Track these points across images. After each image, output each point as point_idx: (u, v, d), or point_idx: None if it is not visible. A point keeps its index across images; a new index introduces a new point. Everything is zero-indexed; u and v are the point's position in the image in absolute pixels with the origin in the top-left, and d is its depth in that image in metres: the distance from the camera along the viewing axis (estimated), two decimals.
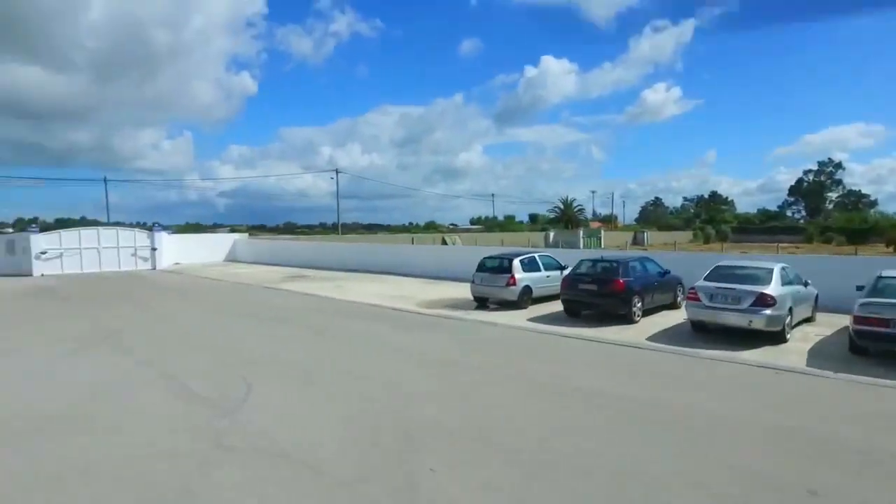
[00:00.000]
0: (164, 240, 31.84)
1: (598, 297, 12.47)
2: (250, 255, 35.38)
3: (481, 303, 15.22)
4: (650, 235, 70.36)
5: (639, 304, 12.41)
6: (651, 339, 10.87)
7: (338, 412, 6.93)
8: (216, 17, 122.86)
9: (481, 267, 15.40)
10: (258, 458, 5.57)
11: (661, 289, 13.45)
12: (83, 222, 44.81)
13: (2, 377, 8.91)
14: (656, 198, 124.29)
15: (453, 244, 45.35)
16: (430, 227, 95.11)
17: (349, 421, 6.60)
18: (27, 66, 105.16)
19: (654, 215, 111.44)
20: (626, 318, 12.23)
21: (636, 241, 64.78)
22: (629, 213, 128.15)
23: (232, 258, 36.26)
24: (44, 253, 27.40)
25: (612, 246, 50.40)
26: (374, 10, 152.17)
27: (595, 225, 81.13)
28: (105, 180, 57.62)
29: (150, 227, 31.88)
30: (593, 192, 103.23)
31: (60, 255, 27.91)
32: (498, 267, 15.01)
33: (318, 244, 34.55)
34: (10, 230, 31.10)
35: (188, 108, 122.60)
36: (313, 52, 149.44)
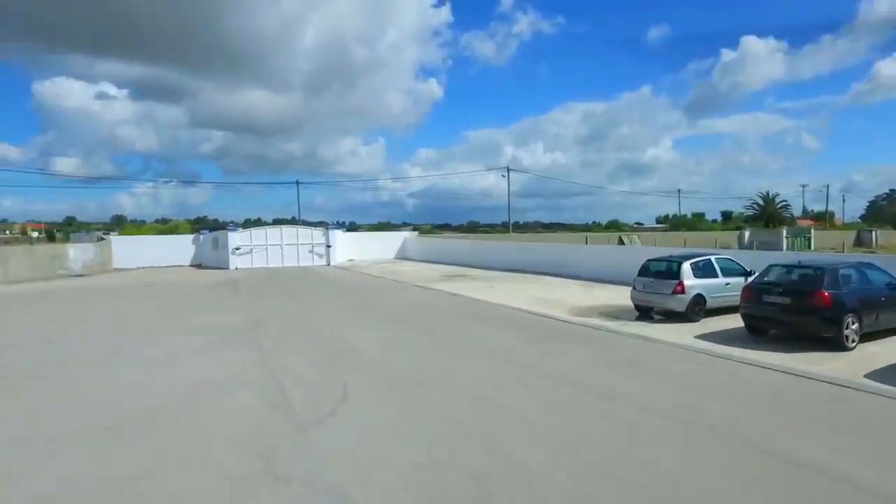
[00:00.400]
0: (339, 238, 33.69)
1: (791, 314, 9.57)
2: (418, 253, 35.99)
3: (643, 313, 12.93)
4: (880, 235, 58.39)
5: (854, 326, 9.27)
6: (873, 376, 7.84)
7: (425, 442, 5.66)
8: (407, 31, 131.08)
9: (644, 270, 13.10)
10: (300, 496, 4.57)
11: (891, 306, 10.01)
12: (293, 221, 50.17)
13: (132, 369, 9.23)
14: (891, 190, 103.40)
15: (631, 244, 41.83)
16: (612, 226, 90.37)
17: (432, 455, 5.31)
18: (257, 91, 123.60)
19: (888, 211, 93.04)
20: (835, 344, 9.21)
21: (860, 242, 54.18)
22: (853, 210, 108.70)
23: (402, 256, 37.25)
24: (238, 249, 30.46)
25: (826, 248, 42.56)
26: (557, 8, 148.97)
27: (804, 223, 69.93)
28: (297, 183, 63.45)
29: (326, 225, 33.94)
30: (804, 186, 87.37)
31: (251, 251, 30.84)
32: (664, 271, 12.61)
33: (481, 243, 33.93)
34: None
35: (382, 115, 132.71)
36: (496, 55, 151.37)
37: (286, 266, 31.09)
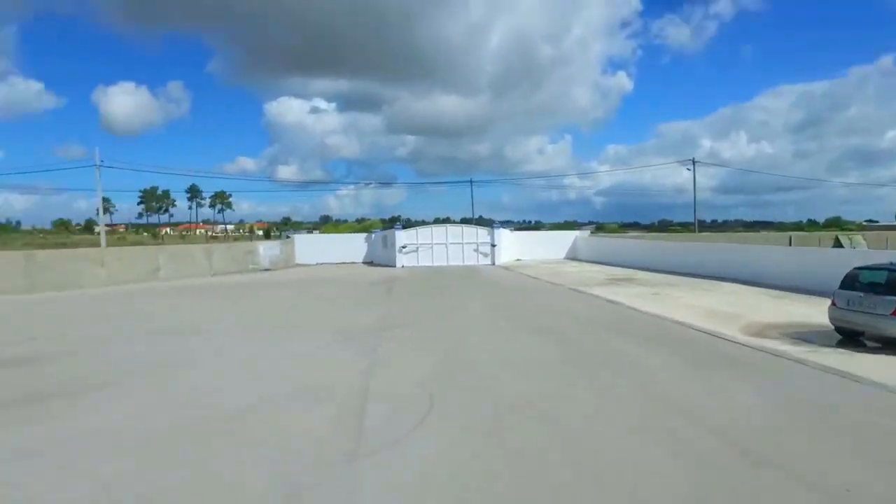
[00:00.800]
0: (504, 236, 32.85)
1: None
2: (588, 254, 33.70)
3: (848, 337, 9.91)
4: None
5: None
6: None
7: (491, 495, 4.39)
8: (593, 24, 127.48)
9: (850, 281, 10.02)
10: None
11: None
12: (479, 221, 51.24)
13: (243, 368, 9.22)
14: None
15: (852, 246, 34.76)
16: (833, 224, 78.02)
17: None
18: (447, 96, 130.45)
19: None
20: None
21: None
22: None
23: (571, 256, 35.26)
24: (404, 247, 31.18)
25: None
26: None
27: None
28: (471, 182, 64.23)
29: (491, 224, 33.34)
30: None
31: (416, 250, 31.37)
32: (882, 283, 9.45)
33: (656, 243, 30.48)
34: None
35: (568, 112, 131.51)
36: (692, 41, 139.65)
37: (451, 265, 31.12)
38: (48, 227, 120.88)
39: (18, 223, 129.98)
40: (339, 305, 16.48)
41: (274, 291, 20.48)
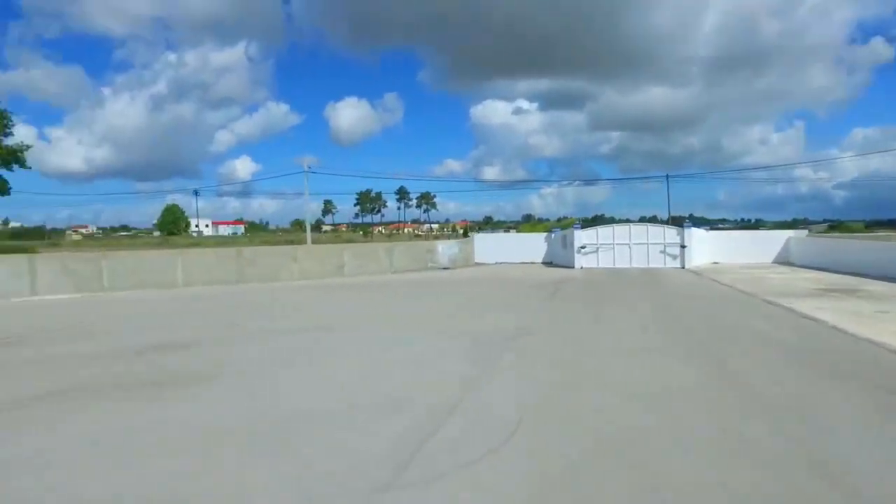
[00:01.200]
0: (697, 237, 29.45)
1: None
2: (804, 257, 28.50)
3: None
4: None
5: None
6: None
7: None
8: None
9: None
10: None
11: None
12: (695, 219, 47.81)
13: (346, 369, 9.19)
14: None
15: None
16: None
17: None
18: (655, 87, 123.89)
19: None
20: None
21: None
22: None
23: (783, 259, 30.21)
24: (583, 247, 29.59)
25: None
26: None
27: None
28: (667, 177, 59.63)
29: (681, 223, 30.07)
30: None
31: (597, 250, 29.57)
32: None
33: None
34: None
35: (800, 95, 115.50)
36: None
37: (633, 267, 28.79)
38: (287, 226, 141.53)
39: (267, 223, 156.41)
40: (491, 307, 16.00)
41: (437, 290, 20.77)
